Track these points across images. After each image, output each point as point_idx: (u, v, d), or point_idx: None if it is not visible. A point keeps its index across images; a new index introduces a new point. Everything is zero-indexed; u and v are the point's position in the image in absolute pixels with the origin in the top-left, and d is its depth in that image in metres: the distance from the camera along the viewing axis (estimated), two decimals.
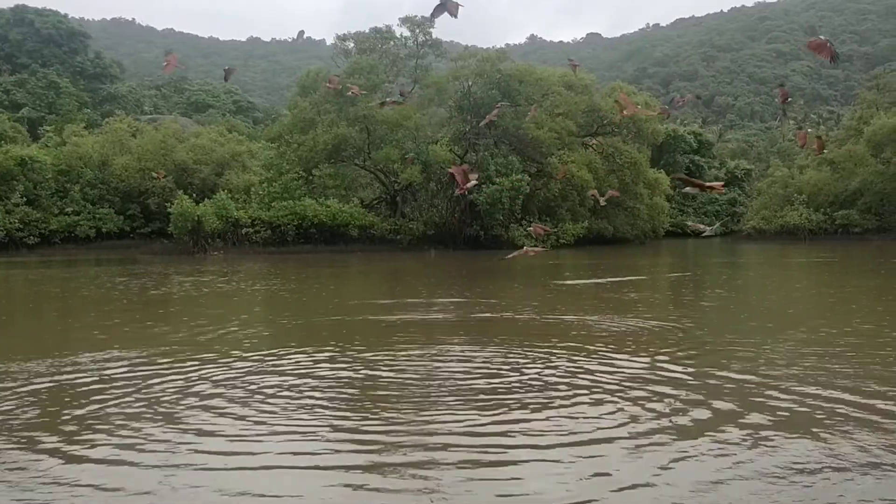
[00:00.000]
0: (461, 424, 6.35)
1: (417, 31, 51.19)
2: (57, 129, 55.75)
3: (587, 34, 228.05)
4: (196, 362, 9.51)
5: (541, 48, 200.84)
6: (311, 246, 41.92)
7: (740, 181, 76.31)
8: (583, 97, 48.45)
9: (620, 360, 9.32)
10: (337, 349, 10.49)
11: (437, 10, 9.39)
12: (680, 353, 9.70)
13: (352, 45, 52.09)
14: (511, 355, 9.66)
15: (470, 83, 46.75)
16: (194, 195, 41.91)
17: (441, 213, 45.50)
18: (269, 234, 41.47)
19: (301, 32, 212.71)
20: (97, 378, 8.49)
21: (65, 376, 8.63)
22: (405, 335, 12.00)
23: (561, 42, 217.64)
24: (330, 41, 68.53)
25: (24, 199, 41.31)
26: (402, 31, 51.71)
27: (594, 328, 12.25)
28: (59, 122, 60.16)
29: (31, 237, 41.23)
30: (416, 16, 51.29)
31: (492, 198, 41.44)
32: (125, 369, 9.01)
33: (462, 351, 10.28)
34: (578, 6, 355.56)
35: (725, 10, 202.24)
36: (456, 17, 9.29)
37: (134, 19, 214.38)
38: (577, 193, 46.59)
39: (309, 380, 8.42)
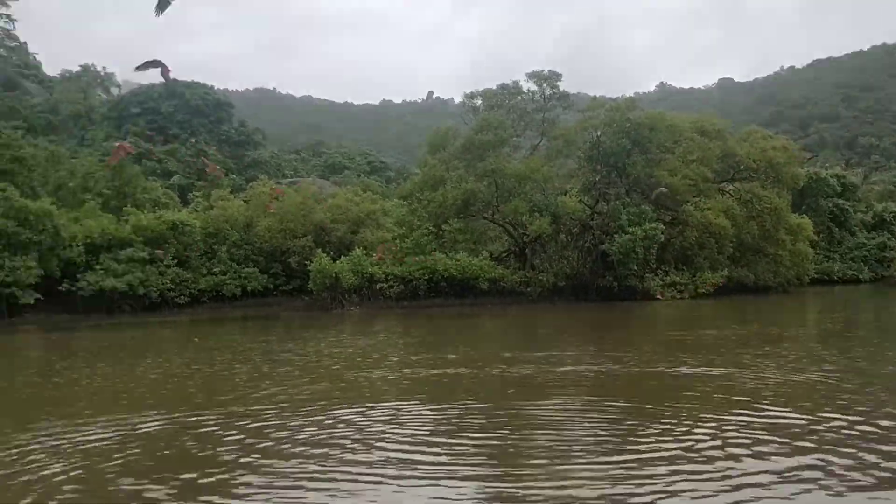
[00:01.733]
0: (600, 482, 6.24)
1: (544, 84, 51.55)
2: (205, 194, 59.13)
3: (719, 79, 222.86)
4: (334, 410, 9.76)
5: (671, 95, 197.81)
6: (442, 299, 42.34)
7: (889, 225, 71.93)
8: (717, 143, 47.24)
9: (773, 413, 8.93)
10: (471, 400, 10.52)
11: None
12: (840, 408, 9.18)
13: (480, 101, 52.96)
14: (646, 409, 9.42)
15: (599, 133, 46.48)
16: (331, 253, 43.25)
17: (572, 265, 45.07)
18: (401, 288, 42.23)
19: (430, 93, 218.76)
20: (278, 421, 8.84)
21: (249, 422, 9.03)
22: (537, 388, 11.90)
23: (692, 88, 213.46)
24: (458, 100, 69.97)
25: (175, 260, 43.76)
26: (528, 85, 52.24)
27: (741, 381, 11.79)
28: (206, 188, 63.84)
29: (182, 296, 43.49)
30: (542, 70, 51.79)
31: (625, 247, 40.78)
32: (292, 413, 9.35)
33: (599, 403, 10.10)
34: (712, 53, 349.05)
35: (865, 49, 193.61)
36: None
37: (274, 88, 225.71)
38: (716, 241, 45.22)
39: (448, 428, 8.48)
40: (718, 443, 7.50)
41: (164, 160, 75.40)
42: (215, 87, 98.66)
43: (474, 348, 19.09)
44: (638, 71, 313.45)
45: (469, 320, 31.91)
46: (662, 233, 42.08)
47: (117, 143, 29.25)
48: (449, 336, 24.08)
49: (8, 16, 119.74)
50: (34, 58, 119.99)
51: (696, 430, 7.99)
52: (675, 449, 7.26)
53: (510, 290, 43.09)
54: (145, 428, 9.37)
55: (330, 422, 9.23)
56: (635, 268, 42.09)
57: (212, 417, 9.88)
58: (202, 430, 9.05)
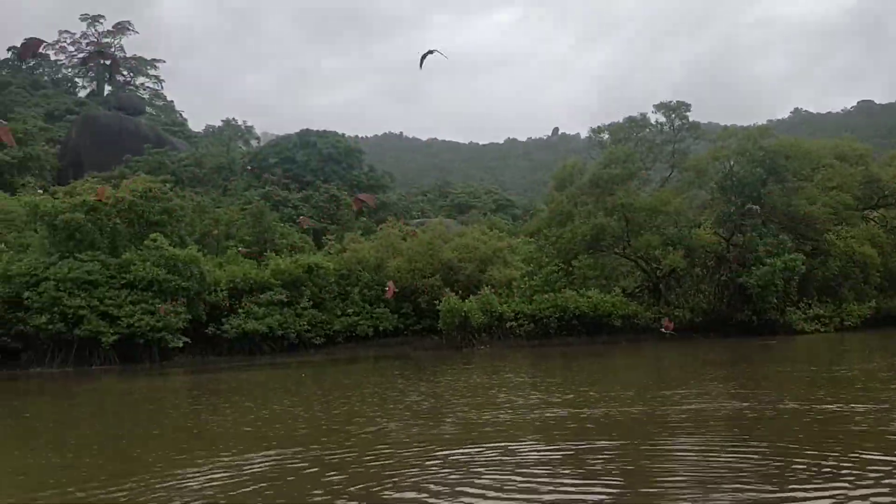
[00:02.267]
0: None
1: (673, 115, 50.67)
2: (338, 237, 61.04)
3: (858, 102, 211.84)
4: (469, 448, 9.75)
5: (807, 121, 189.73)
6: (574, 337, 41.82)
7: None
8: (858, 168, 44.99)
9: None
10: (604, 440, 10.29)
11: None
12: None
13: (606, 136, 52.48)
14: (799, 450, 8.94)
15: (731, 163, 45.18)
16: (460, 291, 43.60)
17: (708, 299, 43.71)
18: (531, 326, 42.02)
19: (555, 129, 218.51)
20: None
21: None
22: (675, 425, 11.53)
23: (829, 113, 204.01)
24: (584, 135, 69.56)
25: (311, 302, 45.30)
26: (656, 117, 51.47)
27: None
28: (339, 231, 65.86)
29: (318, 337, 44.89)
30: (670, 101, 50.91)
31: (763, 280, 39.23)
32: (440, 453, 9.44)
33: (744, 443, 9.68)
34: (849, 75, 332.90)
35: None
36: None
37: (401, 132, 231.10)
38: (861, 271, 42.83)
39: (580, 470, 8.32)
40: None
41: (300, 206, 78.44)
42: (346, 135, 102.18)
43: (608, 386, 18.71)
44: (771, 97, 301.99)
45: (602, 358, 31.34)
46: (803, 263, 40.24)
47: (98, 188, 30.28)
48: (581, 374, 23.71)
49: (156, 76, 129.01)
50: (180, 115, 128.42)
51: (868, 475, 7.47)
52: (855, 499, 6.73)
53: (644, 326, 42.12)
54: (259, 466, 9.64)
55: (466, 460, 9.23)
56: (775, 301, 40.40)
57: (348, 454, 10.10)
58: (334, 462, 9.25)
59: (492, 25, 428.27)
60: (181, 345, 39.15)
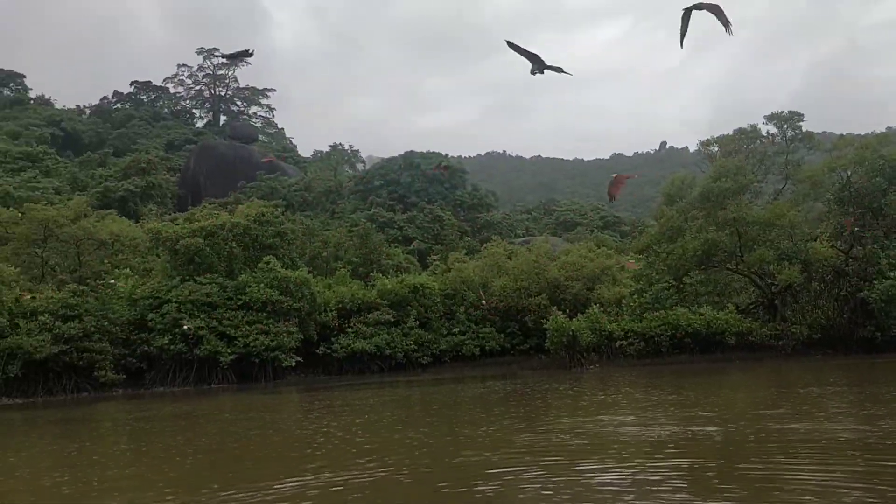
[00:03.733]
0: None
1: (785, 126, 48.99)
2: (442, 257, 61.63)
3: None
4: (586, 466, 9.65)
5: None
6: (687, 356, 40.71)
7: None
8: None
9: None
10: (721, 460, 10.01)
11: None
12: None
13: (716, 148, 51.17)
14: None
15: (849, 173, 43.20)
16: (567, 310, 43.18)
17: (827, 315, 41.80)
18: (642, 345, 41.17)
19: (663, 143, 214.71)
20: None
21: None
22: (799, 449, 11.08)
23: None
24: (693, 148, 67.96)
25: (417, 322, 45.81)
26: (768, 128, 49.85)
27: None
28: (444, 251, 66.48)
29: (425, 357, 45.32)
30: (782, 111, 49.25)
31: (887, 294, 37.23)
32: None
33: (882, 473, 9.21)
34: None
35: None
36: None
37: (504, 151, 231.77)
38: None
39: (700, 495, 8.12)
40: None
41: (405, 227, 79.64)
42: (449, 155, 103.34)
43: (725, 406, 18.13)
44: (892, 104, 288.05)
45: (716, 377, 30.38)
46: None
47: None
48: (695, 393, 23.03)
49: (268, 105, 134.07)
50: (290, 141, 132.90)
51: None
52: None
53: (760, 344, 40.58)
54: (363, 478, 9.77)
55: (584, 481, 9.13)
56: None
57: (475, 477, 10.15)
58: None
59: (598, 40, 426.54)
60: (294, 364, 40.27)
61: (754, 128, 50.24)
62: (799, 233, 42.68)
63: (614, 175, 16.60)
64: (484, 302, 44.22)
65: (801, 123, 48.76)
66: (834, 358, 37.37)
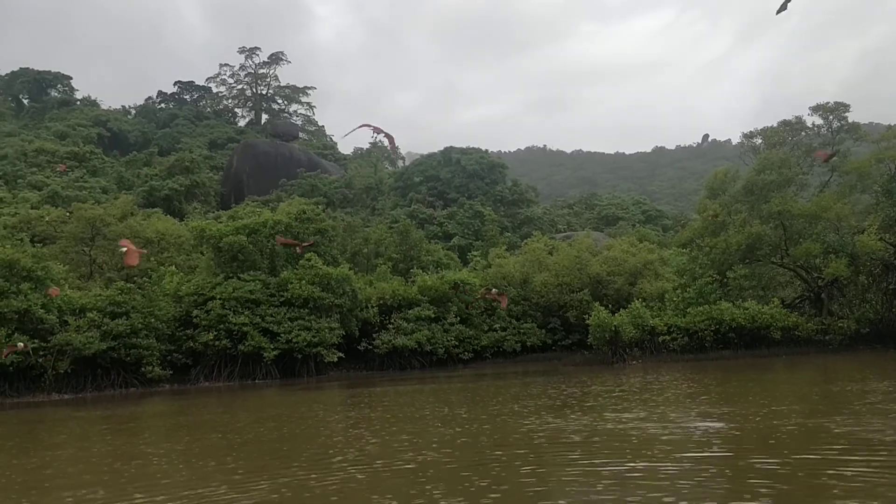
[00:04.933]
0: None
1: (831, 117, 48.11)
2: (483, 253, 61.61)
3: None
4: (624, 463, 9.61)
5: None
6: (731, 351, 40.21)
7: None
8: None
9: None
10: (775, 458, 9.89)
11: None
12: None
13: (760, 140, 50.41)
14: None
15: None
16: (609, 306, 42.90)
17: (876, 309, 41.03)
18: (685, 340, 40.76)
19: (706, 136, 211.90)
20: None
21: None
22: (847, 445, 10.91)
23: None
24: (735, 141, 67.02)
25: (458, 318, 45.86)
26: (813, 119, 49.00)
27: None
28: (484, 247, 66.45)
29: (466, 352, 45.36)
30: (827, 102, 48.31)
31: None
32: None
33: None
34: None
35: None
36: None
37: (545, 146, 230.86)
38: None
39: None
40: None
41: (445, 223, 79.71)
42: (489, 150, 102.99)
43: (771, 401, 17.88)
44: None
45: (762, 372, 29.93)
46: None
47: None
48: (740, 388, 22.74)
49: (308, 103, 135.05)
50: (330, 139, 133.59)
51: None
52: None
53: (806, 338, 39.98)
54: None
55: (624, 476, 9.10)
56: None
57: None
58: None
59: (640, 32, 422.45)
60: (336, 360, 40.55)
61: (799, 119, 49.44)
62: (846, 225, 41.96)
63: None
64: (503, 304, 43.48)
65: (847, 114, 47.92)
66: (885, 353, 36.59)
